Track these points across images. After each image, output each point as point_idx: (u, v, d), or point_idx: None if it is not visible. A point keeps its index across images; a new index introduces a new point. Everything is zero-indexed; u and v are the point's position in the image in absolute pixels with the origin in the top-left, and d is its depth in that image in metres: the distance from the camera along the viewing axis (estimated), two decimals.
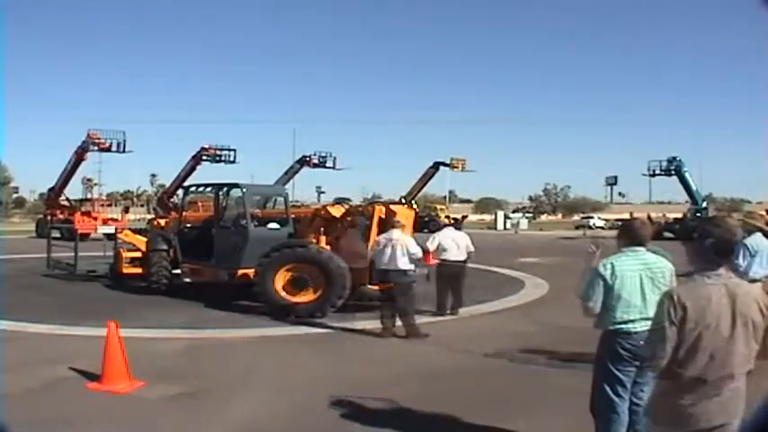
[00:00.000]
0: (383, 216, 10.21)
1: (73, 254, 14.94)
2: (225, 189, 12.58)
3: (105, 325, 6.38)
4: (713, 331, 2.72)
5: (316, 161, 44.39)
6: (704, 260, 2.83)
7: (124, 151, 36.16)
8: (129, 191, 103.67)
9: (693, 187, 39.59)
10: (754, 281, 5.87)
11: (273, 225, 12.15)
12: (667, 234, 31.56)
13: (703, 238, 2.82)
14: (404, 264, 8.68)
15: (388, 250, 8.69)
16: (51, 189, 36.67)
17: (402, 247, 8.68)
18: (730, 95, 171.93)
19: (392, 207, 10.62)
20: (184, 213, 14.59)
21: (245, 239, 11.38)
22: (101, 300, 12.13)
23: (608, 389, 4.16)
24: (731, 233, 2.85)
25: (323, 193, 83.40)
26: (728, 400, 2.75)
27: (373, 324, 9.21)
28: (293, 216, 12.39)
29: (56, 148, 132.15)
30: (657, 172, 42.05)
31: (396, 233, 8.85)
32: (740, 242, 6.31)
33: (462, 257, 10.47)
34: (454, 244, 10.41)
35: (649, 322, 3.20)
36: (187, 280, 12.35)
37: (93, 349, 6.78)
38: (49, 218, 33.43)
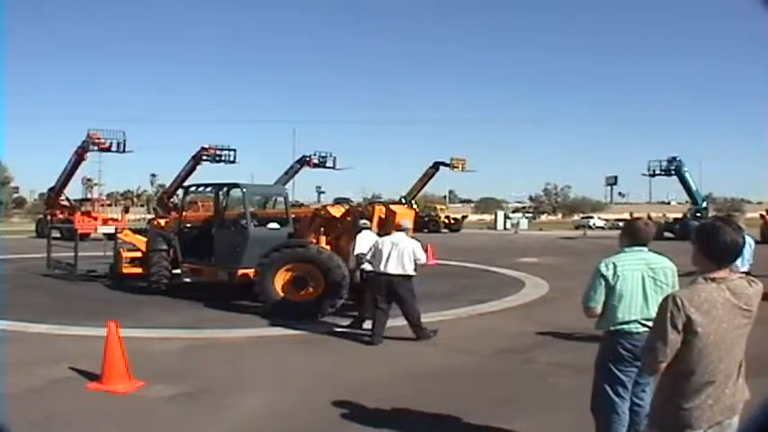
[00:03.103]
0: (383, 216, 10.20)
1: (73, 254, 14.92)
2: (225, 189, 12.59)
3: (105, 325, 6.38)
4: (719, 334, 2.67)
5: (316, 161, 44.42)
6: (708, 261, 2.75)
7: (124, 151, 36.25)
8: (129, 191, 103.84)
9: (693, 187, 39.66)
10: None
11: (273, 225, 12.15)
12: (667, 234, 31.61)
13: (710, 238, 2.74)
14: (410, 269, 8.43)
15: (395, 254, 8.36)
16: (51, 189, 36.69)
17: (409, 252, 8.41)
18: (730, 95, 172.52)
19: (392, 207, 10.61)
20: (184, 213, 14.58)
21: (245, 239, 11.38)
22: (101, 300, 12.12)
23: (609, 389, 4.15)
24: (738, 233, 2.76)
25: (323, 192, 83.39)
26: (729, 396, 2.74)
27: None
28: (293, 216, 12.40)
29: (56, 148, 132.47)
30: (657, 172, 42.14)
31: (400, 236, 8.57)
32: None
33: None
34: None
35: (650, 322, 3.14)
36: (187, 280, 12.35)
37: (93, 349, 6.78)
38: (49, 218, 33.47)
